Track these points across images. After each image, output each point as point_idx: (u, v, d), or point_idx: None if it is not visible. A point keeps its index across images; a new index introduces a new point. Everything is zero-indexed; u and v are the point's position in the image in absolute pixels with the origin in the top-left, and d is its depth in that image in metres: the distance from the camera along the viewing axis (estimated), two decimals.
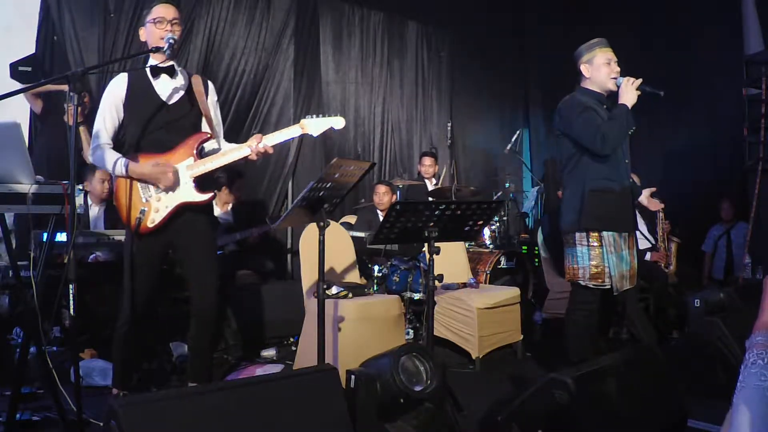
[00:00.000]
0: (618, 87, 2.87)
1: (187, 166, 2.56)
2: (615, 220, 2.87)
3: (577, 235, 2.89)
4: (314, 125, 2.58)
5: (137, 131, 2.57)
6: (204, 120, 2.70)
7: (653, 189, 3.27)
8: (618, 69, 2.92)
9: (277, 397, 1.92)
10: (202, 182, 2.60)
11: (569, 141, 2.94)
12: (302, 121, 2.60)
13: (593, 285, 2.86)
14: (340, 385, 2.12)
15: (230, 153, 2.58)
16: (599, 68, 2.92)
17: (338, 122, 2.60)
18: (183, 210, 2.56)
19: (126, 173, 2.50)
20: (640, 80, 2.82)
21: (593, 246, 2.86)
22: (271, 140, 2.58)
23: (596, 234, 2.86)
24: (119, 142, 2.64)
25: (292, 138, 2.69)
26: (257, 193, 5.53)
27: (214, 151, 2.69)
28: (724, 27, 5.99)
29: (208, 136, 2.67)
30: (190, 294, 2.71)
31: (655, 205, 3.30)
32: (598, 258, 2.85)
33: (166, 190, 2.53)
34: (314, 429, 1.96)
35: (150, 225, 2.52)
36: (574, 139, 2.90)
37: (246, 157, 2.59)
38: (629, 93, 2.81)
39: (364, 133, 6.45)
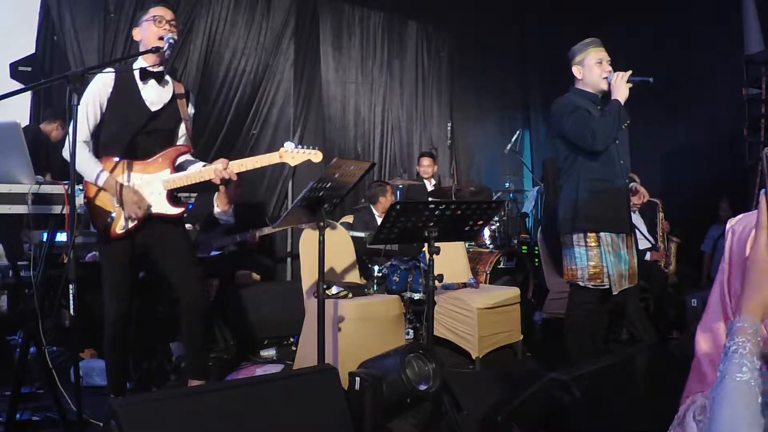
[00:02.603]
0: (609, 85, 2.85)
1: (164, 179, 2.56)
2: (610, 221, 2.86)
3: (575, 236, 2.89)
4: (293, 156, 2.56)
5: (117, 133, 2.54)
6: (182, 130, 2.70)
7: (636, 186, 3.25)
8: (609, 68, 2.90)
9: (277, 397, 1.92)
10: (175, 195, 2.60)
11: (563, 142, 2.94)
12: (282, 149, 2.57)
13: (592, 285, 2.86)
14: (340, 385, 2.12)
15: (196, 174, 2.57)
16: (591, 69, 2.90)
17: (316, 157, 2.59)
18: (153, 219, 2.56)
19: (102, 186, 2.49)
20: (629, 72, 2.81)
21: (591, 246, 2.85)
22: (249, 165, 2.55)
23: (594, 234, 2.85)
24: (95, 140, 2.62)
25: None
26: (257, 194, 5.53)
27: (186, 163, 2.69)
28: (724, 27, 5.99)
29: (187, 149, 2.67)
30: (176, 294, 2.70)
31: (641, 197, 3.26)
32: (597, 258, 2.84)
33: (130, 218, 2.51)
34: (314, 429, 1.96)
35: (119, 231, 2.51)
36: (567, 140, 2.90)
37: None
38: (621, 88, 2.79)
39: (364, 133, 6.45)
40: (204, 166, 2.61)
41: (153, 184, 2.55)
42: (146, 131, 2.56)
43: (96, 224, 2.56)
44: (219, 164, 2.53)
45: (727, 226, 0.90)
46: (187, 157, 2.71)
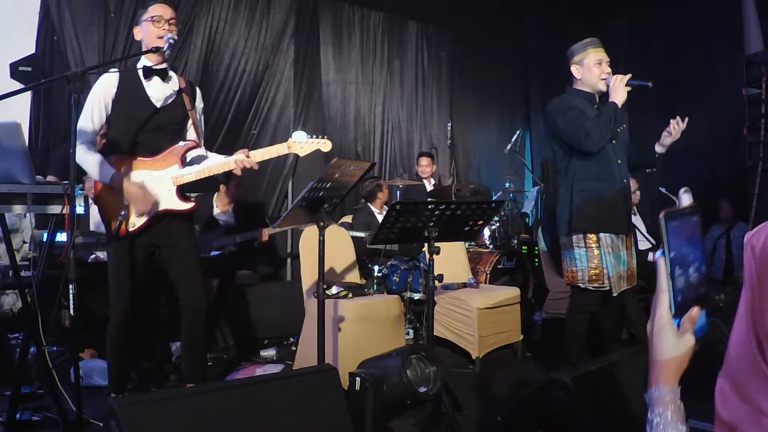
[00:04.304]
0: (608, 86, 2.84)
1: (172, 175, 2.56)
2: (607, 221, 2.84)
3: (574, 237, 2.87)
4: (302, 146, 2.58)
5: (124, 131, 2.55)
6: (190, 126, 2.70)
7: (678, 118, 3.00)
8: (609, 70, 2.88)
9: (277, 397, 1.92)
10: (185, 191, 2.60)
11: (559, 143, 2.93)
12: (290, 140, 2.58)
13: (593, 287, 2.85)
14: (340, 385, 2.12)
15: (216, 165, 2.57)
16: (590, 69, 2.88)
17: (326, 146, 2.60)
18: (163, 216, 2.57)
19: (109, 183, 2.49)
20: (628, 76, 2.79)
21: (591, 248, 2.83)
22: (258, 157, 2.56)
23: (593, 236, 2.84)
24: (102, 140, 2.62)
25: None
26: (257, 194, 5.52)
27: (199, 158, 2.69)
28: (724, 27, 5.99)
29: (195, 144, 2.67)
30: (178, 294, 2.71)
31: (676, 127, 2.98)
32: (597, 260, 2.83)
33: (138, 214, 2.52)
34: (314, 429, 1.97)
35: (130, 229, 2.52)
36: (562, 140, 2.89)
37: (230, 170, 2.58)
38: (619, 91, 2.77)
39: (364, 133, 6.45)
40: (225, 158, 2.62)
41: (162, 181, 2.55)
42: (153, 128, 2.57)
43: (106, 222, 2.57)
44: (240, 154, 2.54)
45: (745, 240, 0.83)
46: (199, 152, 2.71)
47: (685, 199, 0.93)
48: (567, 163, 2.91)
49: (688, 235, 0.86)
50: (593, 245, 2.84)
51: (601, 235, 2.83)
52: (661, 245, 0.84)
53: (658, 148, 2.98)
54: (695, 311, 0.88)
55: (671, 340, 0.87)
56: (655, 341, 0.88)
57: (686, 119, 2.87)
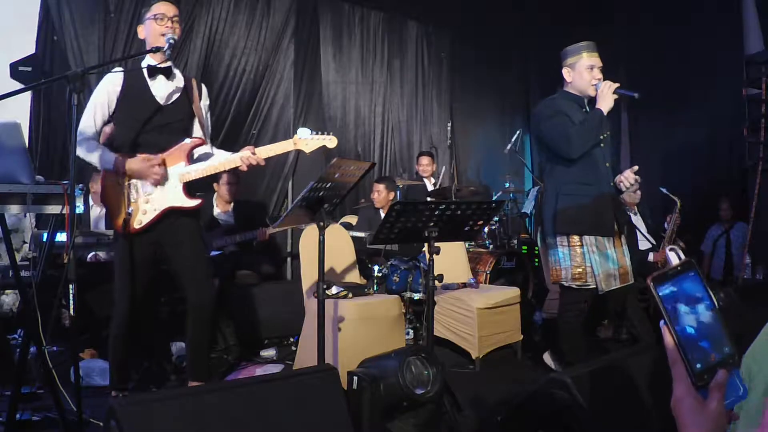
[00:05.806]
0: (597, 92, 2.84)
1: (179, 172, 2.57)
2: (592, 225, 2.85)
3: (558, 238, 2.89)
4: (307, 143, 2.59)
5: (129, 130, 2.56)
6: (196, 123, 2.70)
7: (635, 168, 3.02)
8: (600, 76, 2.88)
9: (277, 397, 1.92)
10: (191, 187, 2.61)
11: (544, 145, 2.94)
12: (296, 136, 2.60)
13: (576, 285, 2.86)
14: (340, 385, 2.12)
15: (222, 163, 2.59)
16: (581, 73, 2.89)
17: (331, 142, 2.61)
18: (170, 213, 2.57)
19: (113, 168, 2.49)
20: (617, 84, 2.81)
21: (574, 247, 2.85)
22: (264, 153, 2.58)
23: (577, 237, 2.85)
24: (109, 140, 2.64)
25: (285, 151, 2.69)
26: (257, 193, 5.53)
27: (206, 156, 2.70)
28: (724, 27, 5.99)
29: (201, 141, 2.68)
30: (185, 293, 2.71)
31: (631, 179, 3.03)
32: (580, 258, 2.85)
33: (155, 184, 2.53)
34: (314, 429, 1.96)
35: (137, 226, 2.52)
36: (546, 144, 2.90)
37: (236, 167, 2.60)
38: (606, 98, 2.79)
39: (364, 133, 6.45)
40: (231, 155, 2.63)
41: (169, 178, 2.56)
42: (158, 126, 2.58)
43: (112, 220, 2.57)
44: (246, 151, 2.56)
45: None
46: (205, 149, 2.72)
47: (673, 257, 0.87)
48: (552, 165, 2.93)
49: (688, 290, 0.76)
50: (576, 245, 2.86)
51: (585, 237, 2.84)
52: (661, 315, 0.75)
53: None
54: (721, 376, 0.75)
55: (695, 415, 0.77)
56: (679, 420, 0.79)
57: (637, 178, 2.88)
